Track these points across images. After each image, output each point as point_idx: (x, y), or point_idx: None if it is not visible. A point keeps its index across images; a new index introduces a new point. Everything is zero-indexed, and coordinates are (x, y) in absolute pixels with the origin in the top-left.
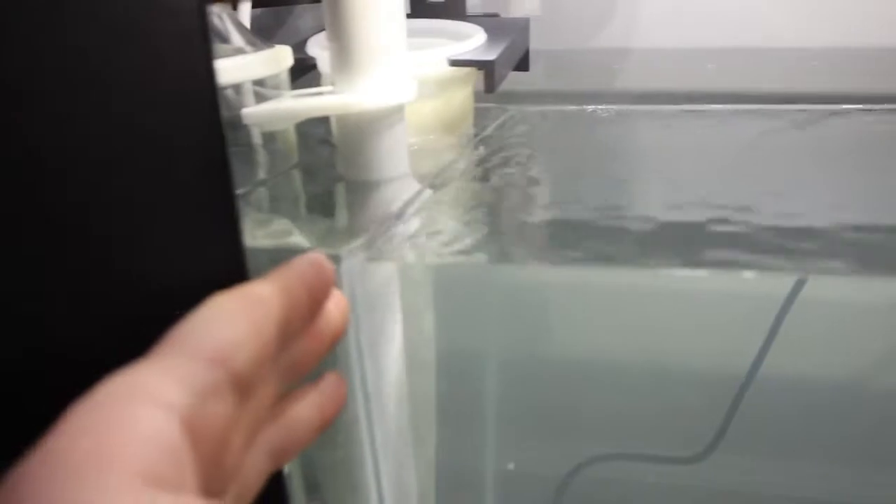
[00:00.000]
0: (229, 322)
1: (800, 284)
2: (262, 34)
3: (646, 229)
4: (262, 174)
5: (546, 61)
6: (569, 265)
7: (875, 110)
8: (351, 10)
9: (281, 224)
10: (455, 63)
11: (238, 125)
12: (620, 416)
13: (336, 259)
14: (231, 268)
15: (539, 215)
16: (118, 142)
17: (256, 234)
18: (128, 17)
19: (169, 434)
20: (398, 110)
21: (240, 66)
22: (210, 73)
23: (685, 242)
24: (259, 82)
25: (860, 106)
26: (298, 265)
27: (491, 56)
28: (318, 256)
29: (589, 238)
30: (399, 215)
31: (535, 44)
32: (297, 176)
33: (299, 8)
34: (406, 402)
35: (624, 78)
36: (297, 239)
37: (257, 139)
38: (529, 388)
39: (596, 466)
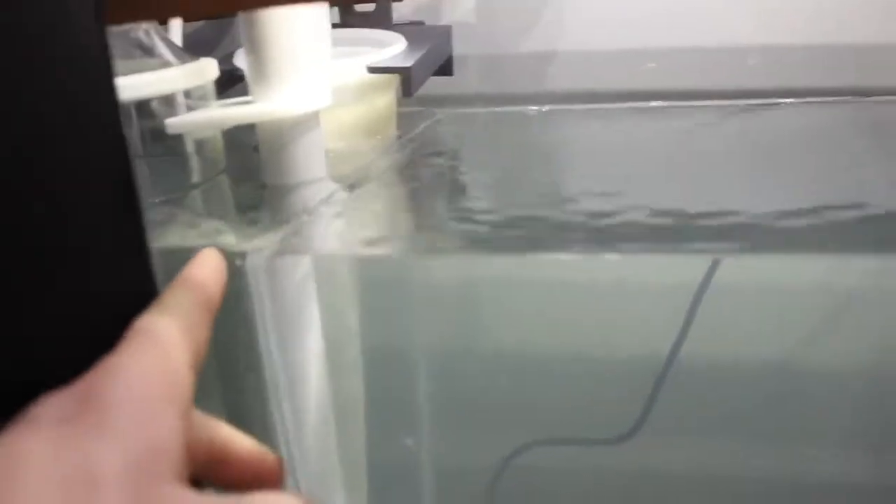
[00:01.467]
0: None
1: (715, 265)
2: (201, 47)
3: (563, 219)
4: (193, 179)
5: (478, 66)
6: (478, 252)
7: (803, 104)
8: (263, 23)
9: (208, 225)
10: (373, 70)
11: (174, 136)
12: (547, 403)
13: (242, 256)
14: (140, 281)
15: (453, 209)
16: (16, 162)
17: (187, 235)
18: (24, 36)
19: None
20: (313, 117)
21: (162, 79)
22: (110, 90)
23: (601, 231)
24: (187, 94)
25: (791, 100)
26: (199, 282)
27: (408, 62)
28: (212, 263)
29: (505, 228)
30: (311, 214)
31: (468, 49)
32: (225, 181)
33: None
34: (328, 396)
35: (554, 79)
36: (227, 238)
37: (190, 148)
38: (455, 381)
39: (527, 454)
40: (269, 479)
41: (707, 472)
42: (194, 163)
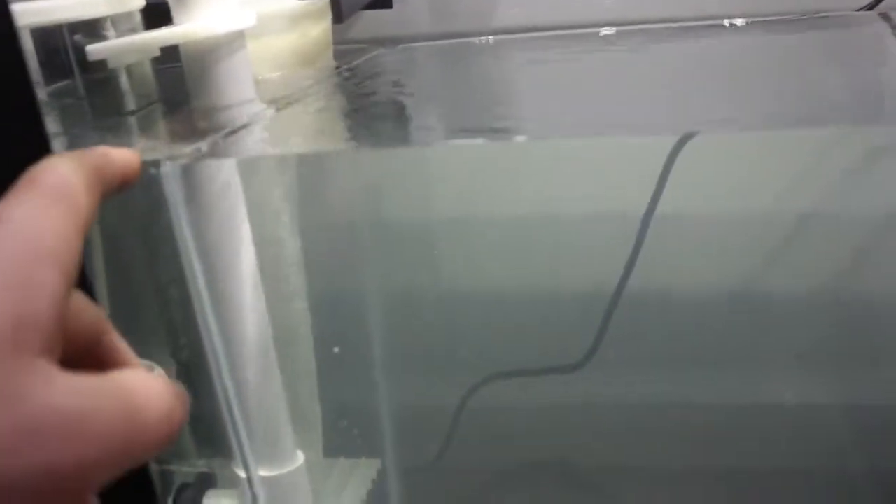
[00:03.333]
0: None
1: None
2: None
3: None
4: (128, 108)
5: (426, 4)
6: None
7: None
8: None
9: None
10: None
11: (112, 72)
12: (500, 337)
13: (155, 164)
14: None
15: (386, 125)
16: None
17: None
18: None
19: None
20: (237, 37)
21: (77, 3)
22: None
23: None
24: (116, 28)
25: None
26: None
27: None
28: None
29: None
30: (236, 128)
31: None
32: (158, 108)
33: None
34: (266, 320)
35: (504, 14)
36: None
37: (125, 80)
38: (410, 318)
39: (485, 389)
40: None
41: (662, 398)
42: (128, 93)
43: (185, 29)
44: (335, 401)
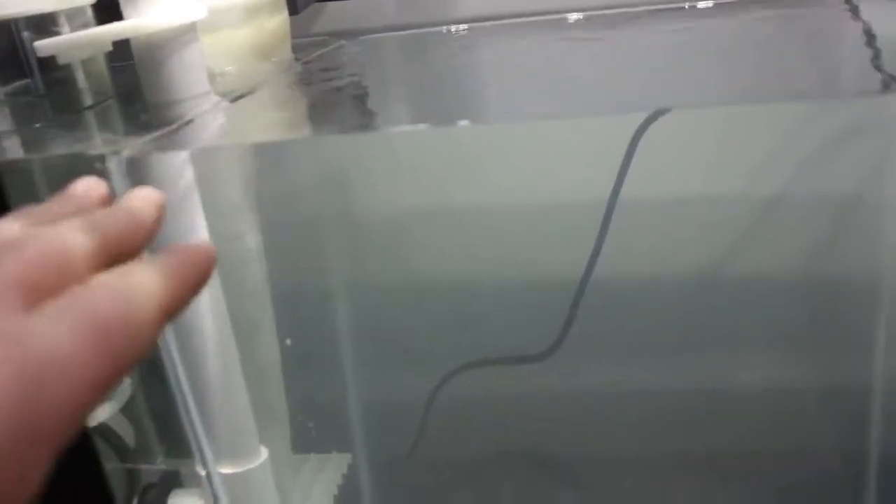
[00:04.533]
0: None
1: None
2: None
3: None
4: (82, 104)
5: None
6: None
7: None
8: None
9: (85, 142)
10: None
11: (65, 68)
12: (468, 328)
13: (101, 159)
14: None
15: (344, 114)
16: None
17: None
18: None
19: None
20: (189, 30)
21: None
22: None
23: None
24: (71, 24)
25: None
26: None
27: None
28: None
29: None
30: (188, 120)
31: None
32: (112, 104)
33: None
34: (226, 318)
35: (469, 4)
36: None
37: (80, 76)
38: (378, 309)
39: (456, 380)
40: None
41: (632, 386)
42: (85, 90)
43: (134, 23)
44: (303, 395)
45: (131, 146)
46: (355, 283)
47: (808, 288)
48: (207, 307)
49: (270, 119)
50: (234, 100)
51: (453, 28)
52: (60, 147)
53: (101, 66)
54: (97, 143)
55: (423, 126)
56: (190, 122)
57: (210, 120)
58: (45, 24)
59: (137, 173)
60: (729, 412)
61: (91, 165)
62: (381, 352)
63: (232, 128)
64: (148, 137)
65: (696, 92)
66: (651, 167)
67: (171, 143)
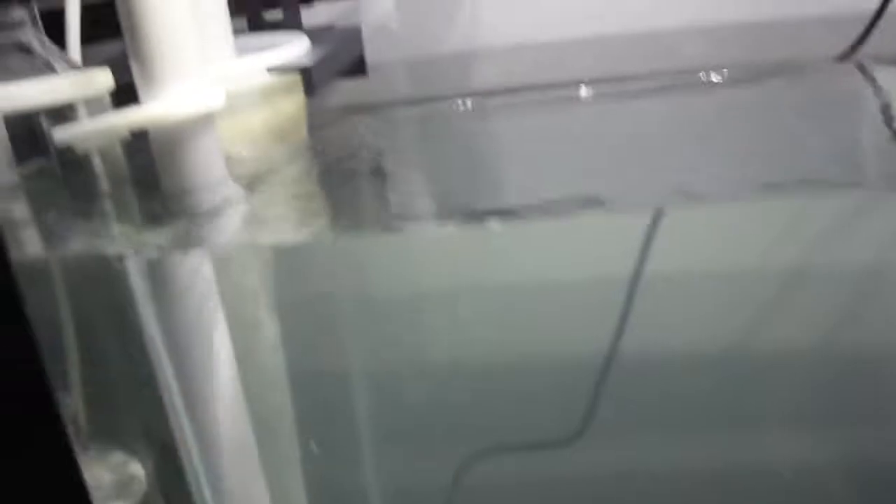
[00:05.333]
0: None
1: (656, 222)
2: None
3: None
4: (98, 191)
5: (400, 70)
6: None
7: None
8: (145, 24)
9: (103, 232)
10: (272, 70)
11: (84, 153)
12: (489, 411)
13: (120, 259)
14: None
15: (364, 200)
16: None
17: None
18: None
19: None
20: (205, 118)
21: (43, 88)
22: None
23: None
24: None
25: (716, 76)
26: None
27: (307, 62)
28: None
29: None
30: (206, 212)
31: (389, 54)
32: (127, 191)
33: None
34: (244, 412)
35: (478, 77)
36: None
37: (97, 162)
38: (393, 395)
39: (478, 466)
40: None
41: (662, 468)
42: (101, 175)
43: (151, 112)
44: (322, 484)
45: (150, 244)
46: (373, 368)
47: (838, 362)
48: (225, 397)
49: (289, 210)
50: (252, 187)
51: (468, 102)
52: (77, 241)
53: (117, 150)
54: (115, 238)
55: (451, 227)
56: (208, 214)
57: (228, 211)
58: (60, 107)
59: (156, 269)
60: (761, 490)
61: (109, 265)
62: (401, 438)
63: (251, 219)
64: (167, 232)
65: (716, 177)
66: (674, 242)
67: (190, 239)
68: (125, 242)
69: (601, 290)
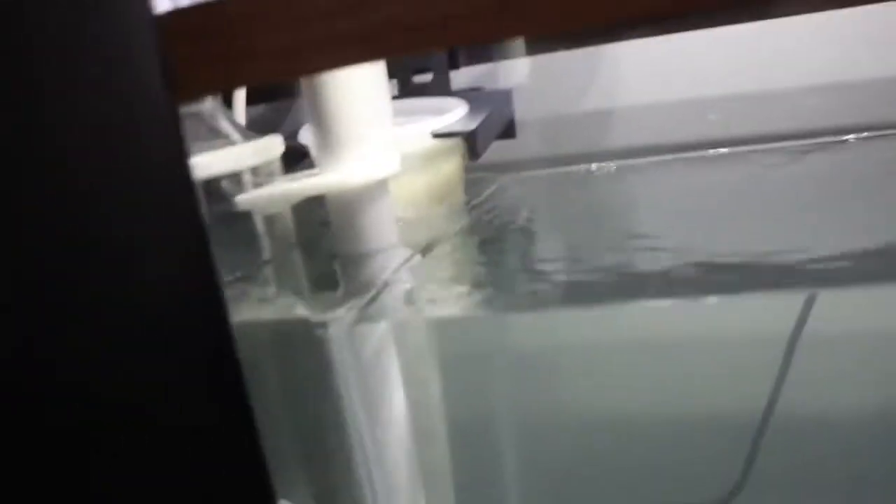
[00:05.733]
0: None
1: (810, 303)
2: (264, 127)
3: (638, 271)
4: (265, 256)
5: (539, 129)
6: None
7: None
8: (327, 93)
9: (283, 300)
10: (438, 135)
11: (244, 217)
12: (640, 470)
13: (323, 325)
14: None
15: (529, 269)
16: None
17: (261, 312)
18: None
19: None
20: (382, 184)
21: (232, 156)
22: (185, 166)
23: (686, 284)
24: (254, 173)
25: (858, 136)
26: None
27: (471, 125)
28: None
29: (583, 285)
30: (388, 280)
31: (527, 113)
32: (297, 255)
33: (300, 101)
34: (416, 473)
35: (616, 136)
36: (299, 311)
37: (260, 227)
38: (543, 450)
39: None
40: None
41: None
42: (265, 240)
43: (333, 178)
44: None
45: (347, 312)
46: (525, 423)
47: None
48: (402, 454)
49: (458, 276)
50: (424, 254)
51: (612, 165)
52: (254, 305)
53: (287, 219)
54: (311, 304)
55: (667, 303)
56: (390, 283)
57: (407, 279)
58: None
59: (350, 337)
60: None
61: (311, 330)
62: (549, 498)
63: (431, 290)
64: (359, 301)
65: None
66: (836, 299)
67: (380, 307)
68: (322, 309)
69: (759, 347)
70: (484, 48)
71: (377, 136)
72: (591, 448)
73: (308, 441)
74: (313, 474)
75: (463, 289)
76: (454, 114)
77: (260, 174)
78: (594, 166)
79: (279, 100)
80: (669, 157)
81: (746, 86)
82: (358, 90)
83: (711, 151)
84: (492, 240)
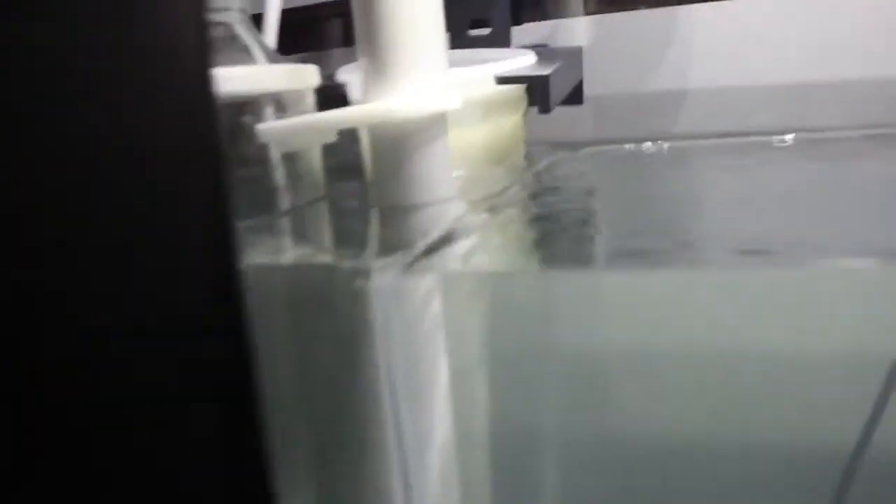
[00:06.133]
0: None
1: None
2: None
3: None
4: (286, 204)
5: (596, 105)
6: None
7: None
8: (385, 9)
9: (307, 249)
10: (503, 81)
11: (259, 159)
12: (710, 500)
13: (365, 274)
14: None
15: (600, 241)
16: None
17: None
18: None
19: None
20: (440, 121)
21: (257, 76)
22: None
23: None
24: (281, 108)
25: None
26: None
27: (544, 72)
28: None
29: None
30: (444, 236)
31: (588, 89)
32: (324, 206)
33: (337, 52)
34: (455, 483)
35: (681, 118)
36: (324, 257)
37: (280, 172)
38: (598, 471)
39: None
40: None
41: None
42: (286, 185)
43: (380, 107)
44: None
45: (403, 261)
46: (565, 436)
47: None
48: (438, 439)
49: (533, 243)
50: (492, 211)
51: (666, 145)
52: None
53: (313, 160)
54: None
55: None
56: (449, 235)
57: (469, 236)
58: (254, 107)
59: (397, 291)
60: None
61: (350, 281)
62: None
63: (497, 249)
64: (410, 252)
65: None
66: None
67: (435, 261)
68: (372, 258)
69: (853, 364)
70: (550, 3)
71: (436, 66)
72: (642, 471)
73: (324, 432)
74: (328, 476)
75: (532, 254)
76: (522, 60)
77: (288, 108)
78: (663, 146)
79: (311, 50)
80: (734, 140)
81: (818, 73)
82: (417, 10)
83: (777, 137)
84: (558, 205)
